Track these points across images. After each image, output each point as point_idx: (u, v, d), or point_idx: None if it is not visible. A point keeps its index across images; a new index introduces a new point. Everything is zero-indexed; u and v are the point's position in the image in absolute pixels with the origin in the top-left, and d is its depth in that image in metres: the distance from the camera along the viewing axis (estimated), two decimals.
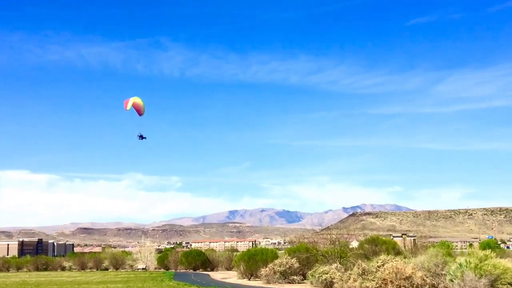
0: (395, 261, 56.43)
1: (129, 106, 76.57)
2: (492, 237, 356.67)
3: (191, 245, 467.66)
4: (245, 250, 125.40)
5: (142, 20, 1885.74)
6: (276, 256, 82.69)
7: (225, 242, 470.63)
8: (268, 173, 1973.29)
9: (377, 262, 57.95)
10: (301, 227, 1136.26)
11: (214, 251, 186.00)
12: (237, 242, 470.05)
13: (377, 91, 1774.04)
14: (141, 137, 79.62)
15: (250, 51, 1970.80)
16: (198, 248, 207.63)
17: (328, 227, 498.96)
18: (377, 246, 75.69)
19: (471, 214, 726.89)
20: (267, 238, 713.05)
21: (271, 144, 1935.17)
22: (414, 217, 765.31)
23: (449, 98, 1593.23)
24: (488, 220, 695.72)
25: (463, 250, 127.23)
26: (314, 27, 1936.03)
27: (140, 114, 78.80)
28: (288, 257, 75.31)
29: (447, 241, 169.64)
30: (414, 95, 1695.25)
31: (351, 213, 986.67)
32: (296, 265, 73.36)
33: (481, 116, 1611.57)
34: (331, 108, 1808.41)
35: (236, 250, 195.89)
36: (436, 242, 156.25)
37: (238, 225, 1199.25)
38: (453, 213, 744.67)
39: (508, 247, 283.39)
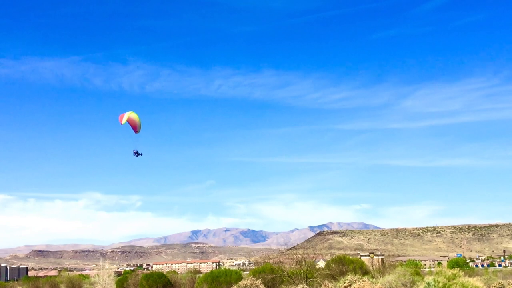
0: (363, 281, 55.04)
1: (124, 120, 73.86)
2: (461, 255, 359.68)
3: (152, 267, 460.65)
4: (208, 271, 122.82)
5: (100, 32, 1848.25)
6: (240, 277, 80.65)
7: (187, 263, 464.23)
8: (232, 191, 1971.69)
9: (344, 282, 56.56)
10: (266, 247, 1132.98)
11: (176, 273, 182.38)
12: (200, 263, 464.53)
13: (344, 106, 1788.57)
14: (137, 153, 77.57)
15: (213, 65, 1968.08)
16: (159, 270, 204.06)
17: (294, 247, 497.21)
18: (344, 265, 74.41)
19: (440, 232, 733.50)
20: (231, 258, 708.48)
21: (235, 161, 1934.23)
22: (382, 235, 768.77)
23: (417, 113, 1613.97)
24: (457, 238, 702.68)
25: (432, 268, 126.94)
26: (279, 41, 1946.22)
27: (136, 131, 76.22)
28: (252, 278, 73.23)
29: (415, 260, 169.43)
30: (382, 110, 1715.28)
31: (317, 232, 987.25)
32: (261, 286, 71.29)
33: (449, 131, 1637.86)
34: (297, 123, 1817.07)
35: (199, 272, 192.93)
36: (404, 261, 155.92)
37: (201, 245, 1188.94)
38: (421, 231, 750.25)
39: (477, 265, 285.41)
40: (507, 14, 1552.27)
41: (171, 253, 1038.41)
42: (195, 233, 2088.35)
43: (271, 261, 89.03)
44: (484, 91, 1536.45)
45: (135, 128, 75.91)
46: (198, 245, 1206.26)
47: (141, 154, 78.09)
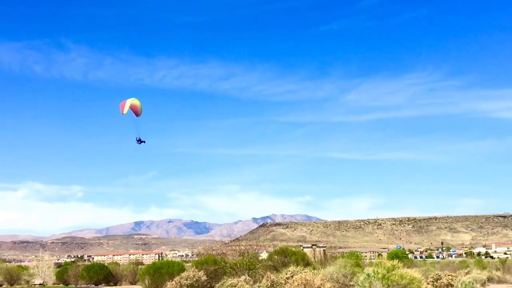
0: (304, 272, 55.50)
1: (126, 109, 71.76)
2: (400, 247, 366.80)
3: (93, 258, 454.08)
4: (150, 263, 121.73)
5: (41, 19, 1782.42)
6: (183, 269, 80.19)
7: (129, 255, 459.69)
8: (175, 182, 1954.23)
9: (286, 274, 56.90)
10: (209, 238, 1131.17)
11: (118, 264, 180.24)
12: (143, 254, 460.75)
13: (289, 98, 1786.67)
14: (140, 141, 76.01)
15: (157, 55, 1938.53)
16: (101, 262, 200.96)
17: (237, 238, 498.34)
18: (286, 257, 74.93)
19: (380, 224, 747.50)
20: (174, 250, 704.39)
21: (178, 152, 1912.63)
22: (324, 227, 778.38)
23: (360, 107, 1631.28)
24: (397, 230, 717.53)
25: (372, 260, 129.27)
26: (225, 32, 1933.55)
27: (137, 114, 74.41)
28: (195, 269, 72.98)
29: (356, 252, 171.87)
30: (326, 103, 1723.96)
31: (261, 223, 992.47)
32: (204, 278, 71.13)
33: (391, 125, 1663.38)
34: (242, 115, 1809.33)
35: (142, 263, 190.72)
36: (346, 253, 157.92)
37: (144, 237, 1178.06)
38: (362, 223, 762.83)
39: (415, 257, 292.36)
40: (448, 10, 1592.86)
41: (113, 244, 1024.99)
42: (138, 224, 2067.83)
43: (214, 252, 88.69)
44: (425, 86, 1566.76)
45: (136, 112, 74.31)
46: (141, 236, 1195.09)
47: (144, 142, 76.50)
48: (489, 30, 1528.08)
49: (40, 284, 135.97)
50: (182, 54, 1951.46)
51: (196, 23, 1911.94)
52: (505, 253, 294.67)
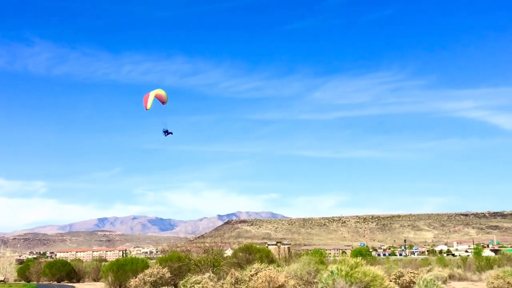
0: (268, 269, 55.55)
1: (149, 104, 69.22)
2: (364, 245, 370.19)
3: (56, 255, 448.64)
4: (114, 260, 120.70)
5: (4, 12, 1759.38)
6: (147, 266, 79.53)
7: (93, 251, 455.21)
8: (140, 179, 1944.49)
9: (250, 271, 56.89)
10: (174, 235, 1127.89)
11: (81, 261, 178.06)
12: (106, 251, 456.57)
13: (256, 95, 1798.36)
14: (167, 132, 72.92)
15: (123, 49, 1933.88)
16: (64, 258, 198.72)
17: (202, 235, 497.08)
18: (251, 254, 74.91)
19: (345, 222, 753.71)
20: (138, 247, 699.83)
21: (144, 148, 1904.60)
22: (289, 224, 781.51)
23: (326, 105, 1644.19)
24: (361, 228, 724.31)
25: (336, 257, 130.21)
26: (192, 28, 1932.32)
27: (163, 102, 71.96)
28: (159, 266, 72.42)
29: (321, 249, 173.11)
30: (292, 101, 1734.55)
31: (226, 220, 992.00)
32: (168, 275, 70.64)
33: (356, 123, 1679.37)
34: (208, 112, 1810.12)
35: (105, 260, 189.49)
36: (310, 250, 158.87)
37: (108, 233, 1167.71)
38: (327, 220, 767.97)
39: (379, 255, 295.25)
40: (413, 10, 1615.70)
41: (76, 241, 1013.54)
42: (102, 220, 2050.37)
43: (178, 249, 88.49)
44: (391, 85, 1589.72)
45: (163, 100, 71.84)
46: (105, 233, 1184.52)
47: (171, 133, 73.30)
48: (453, 30, 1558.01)
49: (1, 281, 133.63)
50: (149, 50, 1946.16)
51: (163, 18, 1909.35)
52: (466, 251, 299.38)
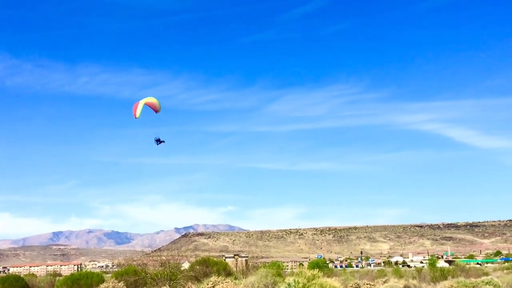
0: (226, 282, 55.38)
1: (138, 112, 67.68)
2: (321, 257, 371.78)
3: (8, 270, 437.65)
4: (69, 274, 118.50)
5: None
6: (102, 280, 78.41)
7: (47, 266, 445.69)
8: (96, 192, 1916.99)
9: (208, 284, 56.60)
10: (131, 248, 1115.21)
11: (34, 276, 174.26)
12: (61, 266, 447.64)
13: (213, 108, 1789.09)
14: (159, 141, 72.51)
15: (79, 61, 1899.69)
16: (17, 273, 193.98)
17: (159, 249, 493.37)
18: (208, 267, 74.63)
19: (302, 234, 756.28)
20: (94, 261, 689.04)
21: (100, 161, 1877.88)
22: (246, 237, 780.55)
23: (283, 118, 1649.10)
24: (318, 240, 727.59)
25: (293, 269, 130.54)
26: (149, 40, 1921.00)
27: (156, 110, 70.60)
28: (115, 280, 71.49)
29: (278, 261, 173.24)
30: (249, 113, 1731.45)
31: (183, 233, 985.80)
32: None
33: (313, 136, 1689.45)
34: (165, 123, 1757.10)
35: (60, 275, 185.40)
36: (268, 262, 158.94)
37: (62, 247, 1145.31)
38: (284, 233, 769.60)
39: (336, 266, 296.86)
40: (369, 24, 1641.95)
41: (30, 255, 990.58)
42: (57, 234, 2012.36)
43: (134, 263, 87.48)
44: (347, 98, 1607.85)
45: (155, 109, 70.54)
46: (60, 247, 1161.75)
47: (164, 142, 73.09)
48: (408, 45, 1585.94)
49: None
50: (105, 61, 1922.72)
51: (120, 29, 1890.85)
52: (421, 262, 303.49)
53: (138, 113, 68.83)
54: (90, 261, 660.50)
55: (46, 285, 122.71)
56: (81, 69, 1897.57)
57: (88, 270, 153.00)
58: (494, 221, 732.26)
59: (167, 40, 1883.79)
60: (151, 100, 71.18)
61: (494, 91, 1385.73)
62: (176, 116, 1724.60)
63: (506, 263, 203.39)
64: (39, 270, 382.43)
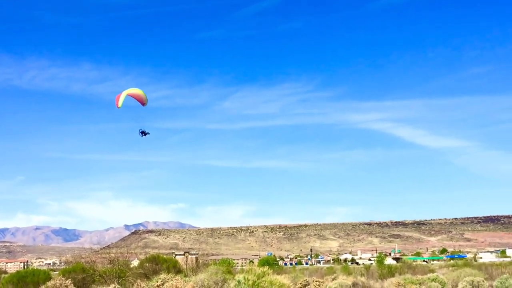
0: (175, 280, 55.14)
1: (120, 102, 65.13)
2: (271, 254, 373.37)
3: None
4: (14, 271, 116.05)
5: None
6: (49, 278, 76.99)
7: None
8: (44, 188, 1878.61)
9: (157, 282, 56.28)
10: (79, 246, 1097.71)
11: None
12: (7, 263, 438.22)
13: (164, 104, 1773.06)
14: (144, 133, 70.57)
15: (27, 54, 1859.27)
16: None
17: (108, 246, 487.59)
18: (158, 264, 74.08)
19: (253, 232, 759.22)
20: (41, 258, 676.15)
21: (48, 157, 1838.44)
22: (197, 234, 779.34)
23: (235, 115, 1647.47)
24: (268, 237, 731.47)
25: (243, 267, 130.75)
26: (100, 35, 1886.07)
27: (143, 103, 68.00)
28: (62, 278, 70.24)
29: (228, 259, 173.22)
30: (201, 110, 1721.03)
31: (133, 230, 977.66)
32: (71, 286, 68.73)
33: (265, 134, 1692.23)
34: (116, 120, 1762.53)
35: (5, 272, 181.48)
36: (218, 260, 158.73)
37: (8, 244, 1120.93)
38: (235, 230, 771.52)
39: (286, 264, 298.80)
40: (321, 23, 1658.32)
41: None
42: (2, 231, 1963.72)
43: (83, 260, 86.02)
44: (299, 96, 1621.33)
45: (142, 101, 67.97)
46: (5, 244, 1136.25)
47: (148, 133, 71.21)
48: (359, 44, 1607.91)
49: None
50: (54, 55, 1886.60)
51: (70, 23, 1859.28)
52: (370, 259, 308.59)
53: (120, 103, 67.16)
54: (37, 259, 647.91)
55: None
56: (29, 63, 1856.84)
57: (35, 267, 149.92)
58: (441, 219, 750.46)
59: (118, 36, 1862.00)
60: (135, 91, 69.40)
61: (442, 91, 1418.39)
62: (126, 112, 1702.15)
63: (452, 261, 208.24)
64: None
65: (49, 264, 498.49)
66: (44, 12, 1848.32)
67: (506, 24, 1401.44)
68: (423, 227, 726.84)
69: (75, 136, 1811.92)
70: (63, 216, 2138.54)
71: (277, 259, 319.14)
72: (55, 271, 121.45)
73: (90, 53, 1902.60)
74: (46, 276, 79.67)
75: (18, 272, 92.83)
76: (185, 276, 63.06)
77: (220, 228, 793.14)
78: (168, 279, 55.84)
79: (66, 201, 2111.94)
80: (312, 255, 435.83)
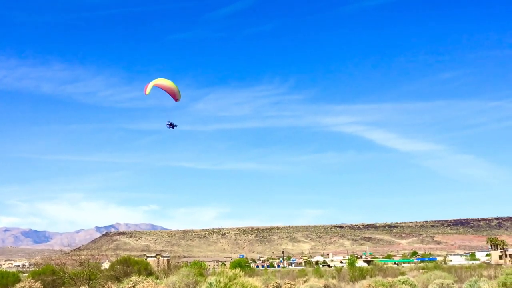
0: (147, 282, 54.96)
1: (149, 89, 63.17)
2: (243, 256, 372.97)
3: None
4: None
5: None
6: (18, 280, 76.13)
7: None
8: (13, 189, 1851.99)
9: (128, 284, 56.04)
10: (49, 247, 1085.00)
11: None
12: None
13: (136, 105, 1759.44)
14: (172, 125, 68.17)
15: None
16: None
17: (79, 248, 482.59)
18: (129, 267, 73.76)
19: (225, 234, 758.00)
20: (10, 260, 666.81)
21: (18, 157, 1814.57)
22: (169, 236, 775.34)
23: (207, 117, 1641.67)
24: (240, 240, 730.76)
25: (215, 269, 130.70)
26: (71, 34, 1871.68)
27: (175, 99, 65.97)
28: (31, 280, 69.50)
29: (200, 261, 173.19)
30: (174, 111, 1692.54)
31: (104, 232, 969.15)
32: None
33: (237, 136, 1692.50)
34: (87, 121, 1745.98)
35: None
36: (190, 262, 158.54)
37: None
38: (207, 232, 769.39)
39: (257, 266, 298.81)
40: (293, 26, 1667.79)
41: None
42: None
43: (53, 262, 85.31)
44: (271, 98, 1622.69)
45: (175, 96, 65.78)
46: None
47: (176, 126, 68.82)
48: (331, 47, 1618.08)
49: None
50: (24, 55, 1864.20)
51: (40, 22, 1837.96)
52: (341, 262, 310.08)
53: (148, 90, 65.05)
54: (6, 261, 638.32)
55: None
56: None
57: (4, 269, 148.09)
58: (411, 222, 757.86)
59: (89, 35, 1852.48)
60: (167, 83, 66.67)
61: (413, 95, 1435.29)
62: (98, 113, 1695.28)
63: (422, 263, 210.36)
64: None
65: (19, 266, 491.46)
66: (14, 11, 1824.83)
67: (476, 30, 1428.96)
68: (394, 230, 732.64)
69: (46, 136, 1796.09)
70: (33, 218, 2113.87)
71: (249, 262, 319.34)
72: (24, 273, 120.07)
73: (61, 53, 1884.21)
74: (15, 278, 78.81)
75: None
76: (157, 278, 62.88)
77: (192, 230, 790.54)
78: (139, 282, 55.65)
79: (36, 202, 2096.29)
80: (284, 258, 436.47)
